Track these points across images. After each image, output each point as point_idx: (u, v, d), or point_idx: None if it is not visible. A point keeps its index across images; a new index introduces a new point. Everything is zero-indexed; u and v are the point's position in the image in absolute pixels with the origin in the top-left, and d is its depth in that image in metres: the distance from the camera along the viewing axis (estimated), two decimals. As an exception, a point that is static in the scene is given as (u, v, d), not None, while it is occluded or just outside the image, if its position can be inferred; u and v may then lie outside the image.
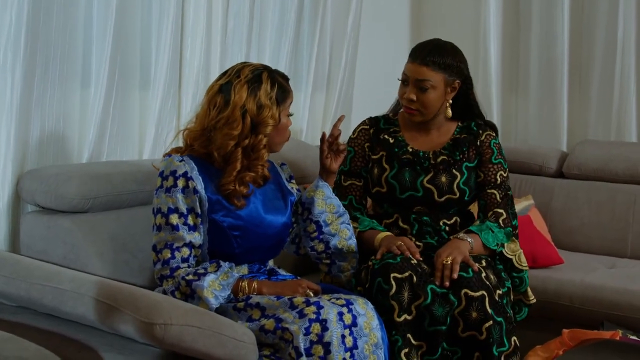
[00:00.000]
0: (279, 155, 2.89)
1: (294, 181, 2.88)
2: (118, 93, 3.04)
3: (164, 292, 2.49)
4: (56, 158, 2.90)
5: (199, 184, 2.54)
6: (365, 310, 2.48)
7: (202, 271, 2.49)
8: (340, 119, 2.87)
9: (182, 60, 3.32)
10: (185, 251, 2.53)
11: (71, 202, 2.69)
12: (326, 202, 2.80)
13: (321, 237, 2.80)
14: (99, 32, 2.99)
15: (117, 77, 3.02)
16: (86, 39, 2.98)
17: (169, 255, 2.51)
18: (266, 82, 2.57)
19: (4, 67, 2.67)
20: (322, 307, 2.40)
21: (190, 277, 2.46)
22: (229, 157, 2.56)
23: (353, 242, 2.83)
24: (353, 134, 3.09)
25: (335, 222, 2.80)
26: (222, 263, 2.55)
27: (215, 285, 2.46)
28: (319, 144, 4.12)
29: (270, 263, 2.78)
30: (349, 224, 2.83)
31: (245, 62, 2.67)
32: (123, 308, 2.17)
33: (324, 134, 2.87)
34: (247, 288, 2.55)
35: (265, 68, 2.63)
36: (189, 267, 2.52)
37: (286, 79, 2.66)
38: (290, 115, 2.67)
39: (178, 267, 2.50)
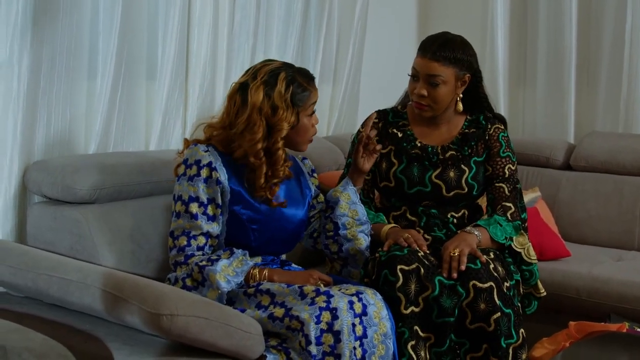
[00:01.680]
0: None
1: (315, 175, 2.89)
2: (125, 84, 3.04)
3: (176, 279, 2.50)
4: (63, 149, 2.90)
5: (222, 174, 2.56)
6: (374, 300, 2.49)
7: (215, 257, 2.50)
8: (370, 117, 2.87)
9: (189, 51, 3.32)
10: (202, 240, 2.54)
11: (78, 193, 2.69)
12: (350, 207, 2.78)
13: (336, 238, 2.79)
14: (106, 24, 2.98)
15: (123, 68, 3.02)
16: (93, 30, 2.97)
17: (185, 243, 2.53)
18: (281, 83, 2.55)
19: (11, 59, 2.68)
20: (332, 296, 2.40)
21: (204, 262, 2.47)
22: (254, 162, 2.56)
23: (367, 253, 2.81)
24: (362, 126, 3.07)
25: (354, 228, 2.78)
26: (235, 250, 2.56)
27: (228, 270, 2.47)
28: (325, 135, 4.15)
29: (283, 257, 2.79)
30: (367, 235, 2.81)
31: (266, 61, 2.66)
32: (129, 299, 2.17)
33: (362, 135, 2.84)
34: (257, 276, 2.56)
35: (285, 68, 2.61)
36: (203, 255, 2.53)
37: (309, 77, 2.64)
38: (312, 112, 2.64)
39: (192, 255, 2.52)
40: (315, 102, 2.65)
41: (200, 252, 2.53)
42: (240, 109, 2.55)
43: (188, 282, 2.47)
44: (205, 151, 2.56)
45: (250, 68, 2.64)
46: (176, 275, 2.51)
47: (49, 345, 1.94)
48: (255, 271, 2.57)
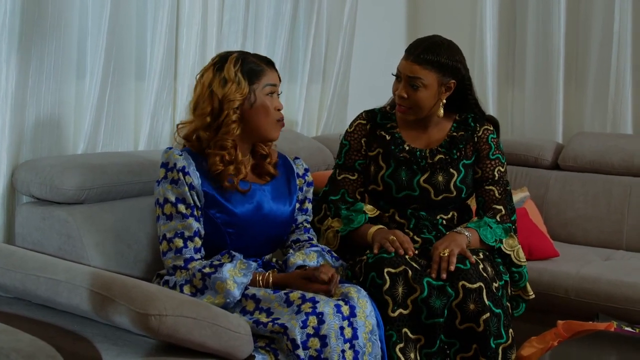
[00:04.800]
0: (282, 148, 2.87)
1: (308, 176, 2.84)
2: (113, 84, 3.03)
3: (175, 284, 2.48)
4: (51, 149, 2.89)
5: (195, 179, 2.54)
6: (356, 297, 2.48)
7: (217, 262, 2.49)
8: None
9: (178, 51, 3.32)
10: (198, 241, 2.53)
11: (66, 193, 2.68)
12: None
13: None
14: (94, 23, 2.98)
15: (112, 68, 3.01)
16: (81, 29, 2.96)
17: (182, 244, 2.51)
18: (231, 61, 2.57)
19: (-1, 58, 2.67)
20: (317, 302, 2.40)
21: (207, 269, 2.45)
22: (203, 135, 2.58)
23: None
24: (350, 127, 3.05)
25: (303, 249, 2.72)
26: (234, 253, 2.55)
27: (235, 272, 2.46)
28: (314, 135, 4.14)
29: (267, 257, 2.77)
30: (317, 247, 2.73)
31: (225, 51, 2.69)
32: (118, 299, 2.17)
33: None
34: (260, 282, 2.55)
35: (240, 53, 2.63)
36: (201, 258, 2.52)
37: (265, 60, 2.63)
38: (271, 94, 2.60)
39: (192, 259, 2.50)
40: (275, 85, 2.61)
41: (198, 255, 2.52)
42: (195, 92, 2.61)
43: (186, 289, 2.45)
44: (180, 155, 2.55)
45: None
46: (175, 280, 2.49)
47: (37, 345, 1.94)
48: (259, 277, 2.56)
